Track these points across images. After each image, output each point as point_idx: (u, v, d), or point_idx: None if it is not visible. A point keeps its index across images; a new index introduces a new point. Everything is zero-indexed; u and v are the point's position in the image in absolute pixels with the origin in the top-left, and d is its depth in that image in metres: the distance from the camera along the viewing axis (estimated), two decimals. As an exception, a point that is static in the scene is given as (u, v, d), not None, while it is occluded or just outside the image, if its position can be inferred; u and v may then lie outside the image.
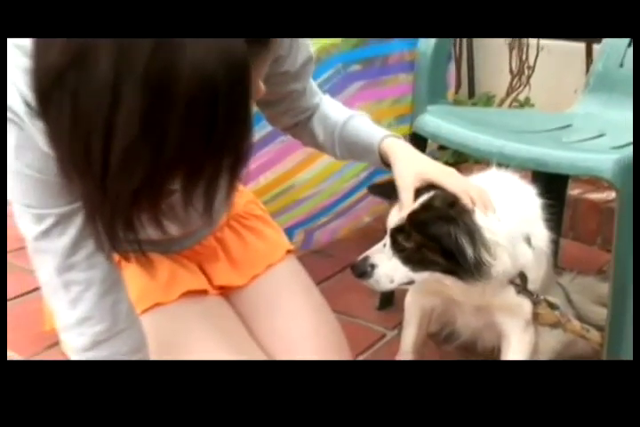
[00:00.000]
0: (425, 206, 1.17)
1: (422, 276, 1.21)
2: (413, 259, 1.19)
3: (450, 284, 1.23)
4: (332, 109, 1.31)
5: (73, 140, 0.79)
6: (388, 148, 1.22)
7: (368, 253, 1.23)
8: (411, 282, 1.24)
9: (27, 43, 0.86)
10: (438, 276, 1.21)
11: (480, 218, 1.15)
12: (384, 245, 1.22)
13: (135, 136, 0.75)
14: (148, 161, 0.78)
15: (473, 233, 1.13)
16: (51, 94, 0.78)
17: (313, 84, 1.29)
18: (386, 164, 1.24)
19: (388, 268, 1.21)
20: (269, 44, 0.88)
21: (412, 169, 1.18)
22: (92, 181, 0.81)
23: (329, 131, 1.29)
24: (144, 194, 0.83)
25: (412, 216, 1.17)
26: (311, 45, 1.23)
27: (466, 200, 1.15)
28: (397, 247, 1.20)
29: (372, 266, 1.21)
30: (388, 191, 1.26)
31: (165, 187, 0.84)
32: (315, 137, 1.31)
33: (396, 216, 1.20)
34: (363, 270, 1.21)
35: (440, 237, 1.13)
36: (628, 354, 1.26)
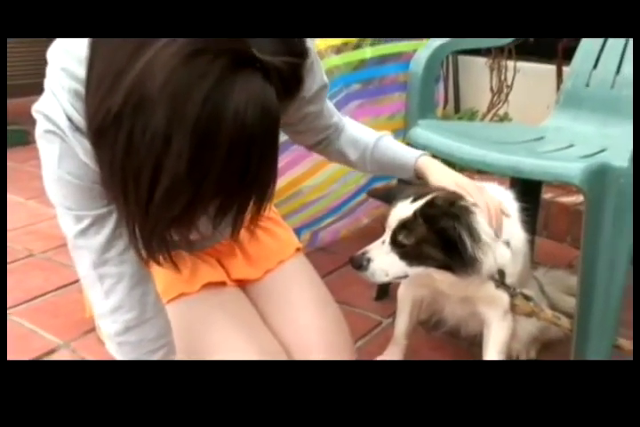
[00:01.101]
0: (429, 204, 1.16)
1: (416, 270, 1.20)
2: (411, 254, 1.18)
3: (439, 278, 1.23)
4: (359, 132, 1.32)
5: (124, 168, 0.79)
6: (423, 164, 1.26)
7: (366, 248, 1.22)
8: (405, 276, 1.22)
9: (70, 66, 0.88)
10: (431, 271, 1.20)
11: (476, 219, 1.15)
12: (382, 242, 1.22)
13: (181, 172, 0.77)
14: (189, 194, 0.79)
15: (471, 231, 1.13)
16: (107, 130, 0.79)
17: (330, 105, 1.29)
18: (417, 177, 1.27)
19: (383, 262, 1.20)
20: (295, 97, 0.89)
21: (450, 178, 1.23)
22: (136, 206, 0.82)
23: (360, 151, 1.31)
24: (180, 219, 0.85)
25: (421, 211, 1.16)
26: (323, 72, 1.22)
27: (485, 212, 1.16)
28: (397, 244, 1.19)
29: (368, 260, 1.20)
30: (385, 195, 1.27)
31: (199, 215, 0.86)
32: (345, 156, 1.33)
33: (396, 216, 1.19)
34: (359, 264, 1.20)
35: (447, 230, 1.13)
36: (594, 339, 1.25)
